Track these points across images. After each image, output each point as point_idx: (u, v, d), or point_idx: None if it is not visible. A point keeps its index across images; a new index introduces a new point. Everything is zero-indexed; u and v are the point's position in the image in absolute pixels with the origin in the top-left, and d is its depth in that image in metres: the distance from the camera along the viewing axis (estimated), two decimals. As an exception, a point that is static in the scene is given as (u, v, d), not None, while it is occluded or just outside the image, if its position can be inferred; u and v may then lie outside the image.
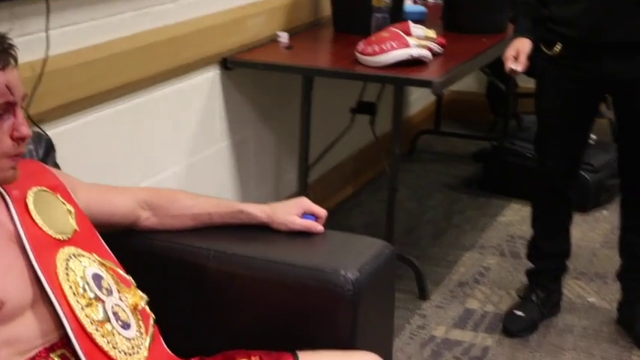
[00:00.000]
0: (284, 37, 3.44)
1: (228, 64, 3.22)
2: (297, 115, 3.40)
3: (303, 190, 3.44)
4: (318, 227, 2.03)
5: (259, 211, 2.03)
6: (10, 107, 1.63)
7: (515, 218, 4.07)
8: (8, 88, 1.61)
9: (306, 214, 2.04)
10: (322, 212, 2.06)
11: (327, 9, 3.76)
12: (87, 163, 2.59)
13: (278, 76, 3.38)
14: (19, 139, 1.65)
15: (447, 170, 4.72)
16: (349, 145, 4.01)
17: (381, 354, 1.89)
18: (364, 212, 4.08)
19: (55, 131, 2.45)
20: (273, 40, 3.45)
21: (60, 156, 2.42)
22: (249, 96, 3.41)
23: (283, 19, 3.56)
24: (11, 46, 1.64)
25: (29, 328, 1.63)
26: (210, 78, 3.18)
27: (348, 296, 1.83)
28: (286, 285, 1.89)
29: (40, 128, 2.37)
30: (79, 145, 2.59)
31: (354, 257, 1.92)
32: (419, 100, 5.15)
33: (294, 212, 2.03)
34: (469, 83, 5.28)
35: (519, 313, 3.16)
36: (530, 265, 3.25)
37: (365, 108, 3.52)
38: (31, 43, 2.35)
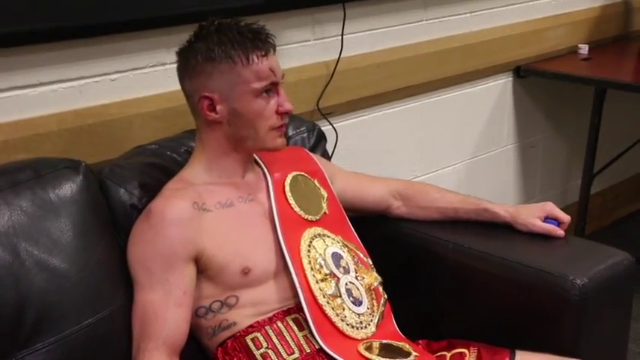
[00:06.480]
0: (584, 49, 3.27)
1: (521, 72, 3.11)
2: (587, 124, 3.22)
3: (585, 198, 3.26)
4: (559, 232, 1.90)
5: (503, 210, 1.95)
6: (274, 87, 1.70)
7: None
8: (272, 70, 1.69)
9: (548, 219, 1.93)
10: (565, 218, 1.93)
11: (638, 23, 3.52)
12: (371, 153, 2.63)
13: (572, 86, 3.21)
14: (283, 114, 1.71)
15: None
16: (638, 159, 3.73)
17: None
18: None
19: (342, 124, 2.51)
20: (573, 52, 3.29)
21: (344, 145, 2.50)
22: (541, 103, 3.27)
23: (586, 32, 3.36)
24: (269, 36, 1.70)
25: (270, 293, 1.69)
26: (501, 85, 3.09)
27: (573, 301, 1.71)
28: (515, 283, 1.79)
29: (328, 120, 2.44)
30: (366, 137, 2.62)
31: (587, 264, 1.78)
32: None
33: (537, 215, 1.92)
34: None
35: None
36: None
37: (656, 122, 3.28)
38: (327, 45, 2.44)
